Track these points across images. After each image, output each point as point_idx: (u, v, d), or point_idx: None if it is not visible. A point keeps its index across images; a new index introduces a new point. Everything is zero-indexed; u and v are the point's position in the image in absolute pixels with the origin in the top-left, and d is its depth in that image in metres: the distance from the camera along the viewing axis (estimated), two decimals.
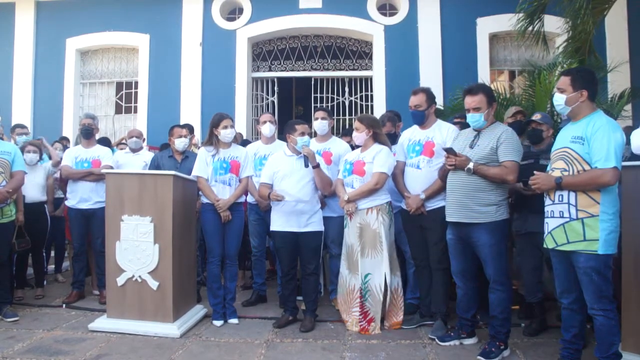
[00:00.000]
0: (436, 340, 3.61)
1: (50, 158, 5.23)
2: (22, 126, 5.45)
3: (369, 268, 3.87)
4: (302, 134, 4.02)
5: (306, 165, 3.98)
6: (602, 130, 2.73)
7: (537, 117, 3.92)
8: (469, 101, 3.41)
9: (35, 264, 5.06)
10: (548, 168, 3.03)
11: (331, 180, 4.08)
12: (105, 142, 5.89)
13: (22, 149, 4.80)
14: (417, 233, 3.97)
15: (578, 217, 2.78)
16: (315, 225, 4.02)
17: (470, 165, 3.27)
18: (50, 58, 8.46)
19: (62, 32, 8.47)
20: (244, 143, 5.14)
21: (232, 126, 4.18)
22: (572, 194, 2.80)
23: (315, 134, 4.79)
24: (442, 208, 3.70)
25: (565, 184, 2.80)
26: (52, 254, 5.89)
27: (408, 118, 4.16)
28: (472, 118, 3.41)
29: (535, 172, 3.00)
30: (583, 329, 2.98)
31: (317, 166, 3.97)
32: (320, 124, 4.62)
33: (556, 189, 2.85)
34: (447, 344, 3.56)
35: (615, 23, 7.28)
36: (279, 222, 4.04)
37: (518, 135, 3.51)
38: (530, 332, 3.77)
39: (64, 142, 6.30)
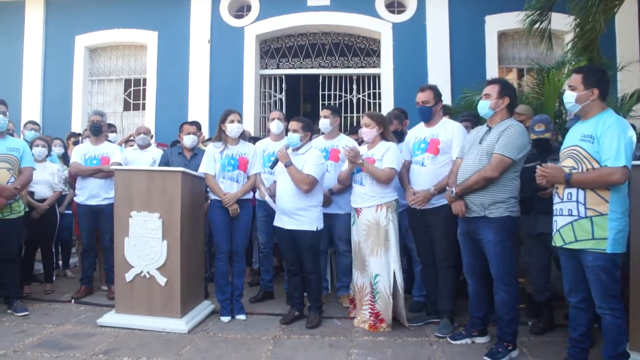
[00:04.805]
0: (447, 338, 3.60)
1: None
2: (34, 122, 5.51)
3: (377, 269, 3.84)
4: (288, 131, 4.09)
5: (271, 167, 4.11)
6: (613, 129, 2.71)
7: (540, 127, 3.76)
8: (484, 89, 3.46)
9: (45, 259, 5.08)
10: None
11: (305, 177, 3.88)
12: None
13: (31, 144, 4.84)
14: (423, 231, 3.96)
15: (587, 216, 2.76)
16: (306, 223, 3.93)
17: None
18: (59, 55, 8.50)
19: (71, 30, 8.50)
20: (252, 140, 5.15)
21: (240, 121, 4.19)
22: (581, 192, 2.78)
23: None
24: (446, 206, 3.69)
25: (574, 181, 2.78)
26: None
27: (415, 116, 4.15)
28: (480, 105, 3.45)
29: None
30: (590, 328, 2.97)
31: (289, 165, 3.92)
32: (321, 122, 4.63)
33: (565, 186, 2.84)
34: (458, 342, 3.54)
35: (626, 21, 7.20)
36: (276, 218, 4.09)
37: None
38: (537, 330, 3.76)
39: (79, 137, 6.30)
